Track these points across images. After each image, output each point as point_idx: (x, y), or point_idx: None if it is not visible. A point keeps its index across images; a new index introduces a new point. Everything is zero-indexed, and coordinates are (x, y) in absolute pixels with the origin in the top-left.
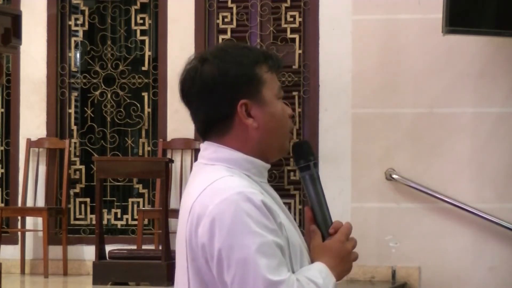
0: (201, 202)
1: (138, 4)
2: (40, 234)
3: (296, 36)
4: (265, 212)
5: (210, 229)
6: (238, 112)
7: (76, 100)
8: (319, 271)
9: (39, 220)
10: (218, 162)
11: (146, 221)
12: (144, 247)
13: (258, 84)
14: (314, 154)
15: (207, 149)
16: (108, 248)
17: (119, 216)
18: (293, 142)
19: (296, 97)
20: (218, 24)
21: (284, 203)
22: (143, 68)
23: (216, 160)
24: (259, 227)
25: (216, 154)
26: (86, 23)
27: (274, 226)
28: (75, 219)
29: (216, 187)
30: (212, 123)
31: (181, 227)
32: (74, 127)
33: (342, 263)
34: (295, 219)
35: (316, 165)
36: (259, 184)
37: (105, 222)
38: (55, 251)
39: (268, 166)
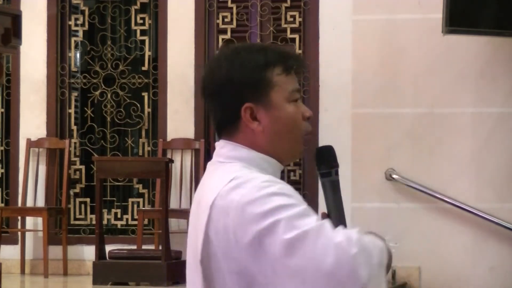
0: (224, 198)
1: (138, 4)
2: (40, 234)
3: (296, 36)
4: (294, 191)
5: (241, 219)
6: (242, 116)
7: (76, 100)
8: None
9: (39, 220)
10: (235, 160)
11: (146, 221)
12: (144, 247)
13: (265, 88)
14: (337, 160)
15: (224, 147)
16: (108, 248)
17: (119, 216)
18: (317, 147)
19: None
20: (218, 24)
21: None
22: (143, 68)
23: (234, 158)
24: (292, 200)
25: (234, 153)
26: (86, 23)
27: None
28: (75, 219)
29: (239, 181)
30: (223, 124)
31: (199, 223)
32: (74, 127)
33: None
34: None
35: (337, 172)
36: None
37: (105, 222)
38: (55, 251)
39: (281, 167)
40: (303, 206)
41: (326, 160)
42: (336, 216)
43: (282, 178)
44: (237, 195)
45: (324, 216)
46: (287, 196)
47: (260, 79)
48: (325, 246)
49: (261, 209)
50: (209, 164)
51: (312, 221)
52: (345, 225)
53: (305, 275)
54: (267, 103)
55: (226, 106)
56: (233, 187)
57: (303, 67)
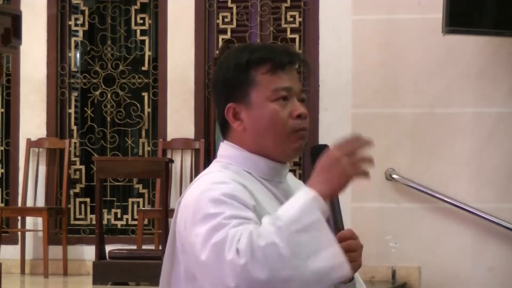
0: (186, 195)
1: (138, 4)
2: (40, 234)
3: (296, 36)
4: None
5: (183, 221)
6: (225, 116)
7: (76, 100)
8: (292, 200)
9: (39, 220)
10: (222, 159)
11: (146, 221)
12: (144, 247)
13: (246, 87)
14: None
15: (220, 146)
16: (108, 248)
17: (119, 216)
18: (312, 146)
19: None
20: (218, 24)
21: None
22: (143, 68)
23: (222, 156)
24: (217, 208)
25: (222, 151)
26: (86, 23)
27: (239, 204)
28: (75, 219)
29: (199, 182)
30: (219, 124)
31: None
32: (74, 127)
33: (330, 177)
34: None
35: None
36: (260, 181)
37: (105, 222)
38: (55, 251)
39: (277, 165)
40: (227, 211)
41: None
42: (333, 216)
43: None
44: (188, 198)
45: None
46: (217, 203)
47: (241, 78)
48: (222, 268)
49: (194, 218)
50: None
51: (221, 233)
52: (341, 225)
53: None
54: (248, 102)
55: (216, 107)
56: (191, 188)
57: (300, 60)
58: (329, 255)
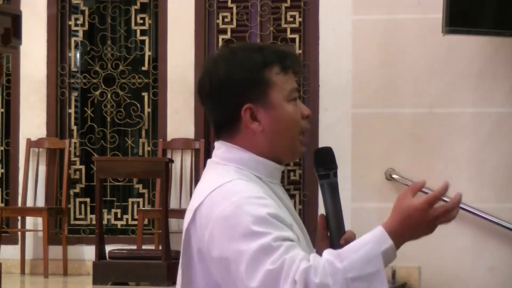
0: (208, 205)
1: (138, 4)
2: (40, 234)
3: (296, 36)
4: (274, 205)
5: (215, 234)
6: (242, 117)
7: (76, 100)
8: (360, 241)
9: (39, 220)
10: (229, 162)
11: (146, 221)
12: (144, 247)
13: (264, 87)
14: (336, 162)
15: (220, 148)
16: (108, 248)
17: (119, 216)
18: (316, 148)
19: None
20: (218, 24)
21: None
22: (143, 68)
23: (228, 160)
24: (263, 227)
25: (228, 154)
26: (86, 23)
27: (281, 225)
28: (75, 219)
29: (223, 191)
30: (222, 125)
31: (185, 225)
32: (74, 127)
33: (411, 228)
34: None
35: (336, 174)
36: (268, 186)
37: (105, 222)
38: (55, 251)
39: (281, 167)
40: (274, 232)
41: (324, 161)
42: (334, 218)
43: (282, 178)
44: (217, 209)
45: (322, 218)
46: (261, 221)
47: (259, 78)
48: None
49: (232, 231)
50: (208, 162)
51: (274, 259)
52: (343, 228)
53: None
54: (266, 103)
55: (225, 107)
56: (216, 197)
57: (300, 66)
58: None
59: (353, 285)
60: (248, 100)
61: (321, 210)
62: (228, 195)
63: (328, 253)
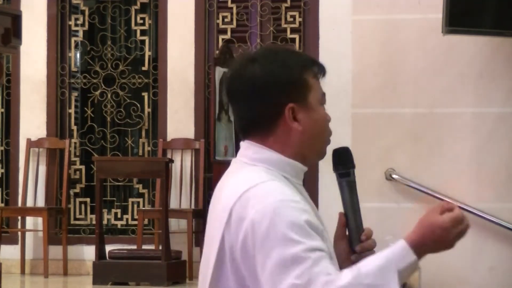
0: (243, 205)
1: (138, 4)
2: (40, 234)
3: (296, 36)
4: (307, 207)
5: (249, 234)
6: (285, 115)
7: (76, 100)
8: (382, 256)
9: (39, 220)
10: (259, 163)
11: (146, 221)
12: (144, 247)
13: (305, 89)
14: (353, 161)
15: (249, 148)
16: (108, 248)
17: (119, 216)
18: (334, 148)
19: None
20: (218, 24)
21: None
22: (143, 68)
23: (258, 160)
24: (298, 235)
25: (258, 155)
26: (86, 23)
27: (314, 233)
28: (75, 219)
29: (259, 191)
30: (256, 123)
31: (218, 224)
32: (74, 127)
33: (432, 243)
34: None
35: (354, 172)
36: (295, 187)
37: (105, 222)
38: (55, 251)
39: (305, 168)
40: (307, 241)
41: (344, 160)
42: (353, 216)
43: None
44: (252, 209)
45: (341, 216)
46: (298, 228)
47: (301, 80)
48: None
49: (267, 234)
50: (233, 161)
51: (300, 273)
52: (361, 225)
53: None
54: (306, 104)
55: (265, 106)
56: (251, 197)
57: (326, 73)
58: None
59: None
60: (290, 99)
61: (321, 209)
62: (263, 196)
63: (348, 272)
